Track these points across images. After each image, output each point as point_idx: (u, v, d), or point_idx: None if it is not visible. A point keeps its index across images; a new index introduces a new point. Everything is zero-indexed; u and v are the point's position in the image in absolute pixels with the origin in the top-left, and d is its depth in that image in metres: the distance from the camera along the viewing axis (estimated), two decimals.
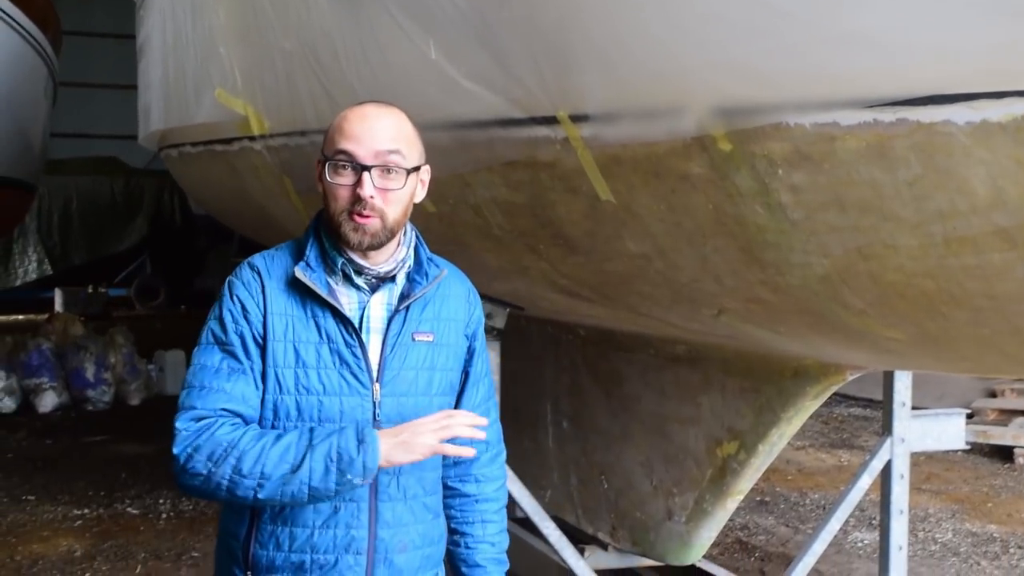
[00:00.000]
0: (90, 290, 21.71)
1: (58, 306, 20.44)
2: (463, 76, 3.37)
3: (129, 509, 7.85)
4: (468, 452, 2.44)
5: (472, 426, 2.41)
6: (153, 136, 7.93)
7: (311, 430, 2.35)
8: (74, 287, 21.49)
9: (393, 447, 2.31)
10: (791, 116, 2.50)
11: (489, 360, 2.74)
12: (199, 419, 2.35)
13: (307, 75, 4.32)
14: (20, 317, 20.07)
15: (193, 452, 2.32)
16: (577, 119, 3.05)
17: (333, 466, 2.28)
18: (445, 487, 2.68)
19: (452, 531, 2.70)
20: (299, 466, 2.29)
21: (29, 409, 11.62)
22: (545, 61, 3.05)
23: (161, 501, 7.92)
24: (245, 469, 2.30)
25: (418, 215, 4.20)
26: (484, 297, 4.87)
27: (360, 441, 2.29)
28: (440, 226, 4.24)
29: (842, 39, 2.34)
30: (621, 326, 4.90)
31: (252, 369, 2.42)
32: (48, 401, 11.64)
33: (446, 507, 2.69)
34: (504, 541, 2.76)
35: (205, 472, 2.31)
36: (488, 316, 4.98)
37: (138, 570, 6.51)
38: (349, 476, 2.29)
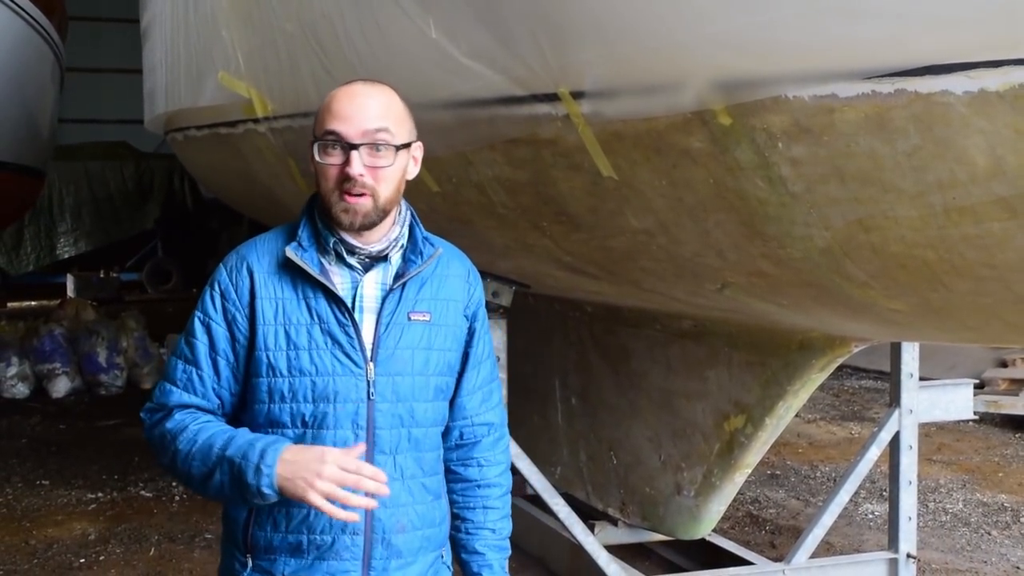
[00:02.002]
0: (102, 275, 21.71)
1: (70, 291, 20.45)
2: (463, 54, 3.37)
3: (142, 492, 7.88)
4: (346, 516, 2.30)
5: (374, 482, 2.28)
6: (158, 120, 7.96)
7: (229, 436, 2.38)
8: (86, 272, 21.51)
9: (287, 482, 2.27)
10: (790, 89, 2.50)
11: (492, 341, 2.71)
12: (154, 411, 2.51)
13: (309, 56, 4.32)
14: (32, 303, 20.12)
15: (151, 443, 2.50)
16: (577, 96, 3.05)
17: (236, 483, 2.33)
18: (447, 471, 2.66)
19: (454, 516, 2.68)
20: (212, 472, 2.36)
21: (42, 394, 11.65)
22: (545, 38, 3.05)
23: (174, 484, 7.93)
24: (179, 466, 2.43)
25: (421, 194, 4.24)
26: (489, 275, 4.91)
27: (258, 469, 2.28)
28: (444, 205, 4.25)
29: (839, 10, 2.33)
30: (627, 302, 4.91)
31: (216, 360, 2.48)
32: (61, 386, 11.68)
33: (448, 491, 2.67)
34: (506, 528, 2.72)
35: (164, 464, 2.49)
36: (494, 294, 4.99)
37: (152, 552, 6.54)
38: (249, 498, 2.33)
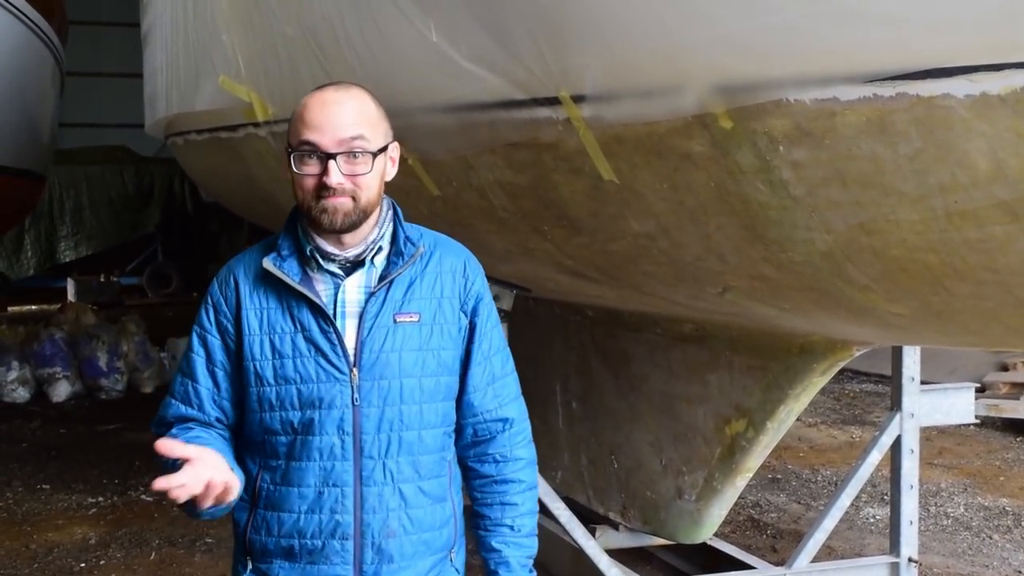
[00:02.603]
0: (102, 279, 21.69)
1: (70, 295, 20.45)
2: (464, 58, 3.37)
3: (143, 496, 7.86)
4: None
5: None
6: (159, 124, 7.95)
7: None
8: (86, 276, 21.50)
9: None
10: (791, 92, 2.50)
11: (502, 336, 2.66)
12: (159, 426, 2.55)
13: (309, 60, 4.32)
14: (33, 307, 20.09)
15: None
16: (578, 99, 3.04)
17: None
18: (466, 467, 2.64)
19: (474, 513, 2.65)
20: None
21: (43, 398, 11.64)
22: (545, 41, 3.04)
23: None
24: None
25: (422, 198, 4.23)
26: (490, 279, 4.89)
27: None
28: (445, 209, 4.25)
29: (841, 14, 2.33)
30: (627, 306, 4.91)
31: (214, 372, 2.51)
32: (61, 390, 11.66)
33: (470, 489, 2.65)
34: (527, 525, 2.66)
35: None
36: (495, 298, 4.96)
37: (152, 556, 6.53)
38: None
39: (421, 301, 2.50)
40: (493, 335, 2.61)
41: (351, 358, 2.44)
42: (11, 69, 11.04)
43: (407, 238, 2.53)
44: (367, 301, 2.46)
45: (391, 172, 2.51)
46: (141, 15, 8.76)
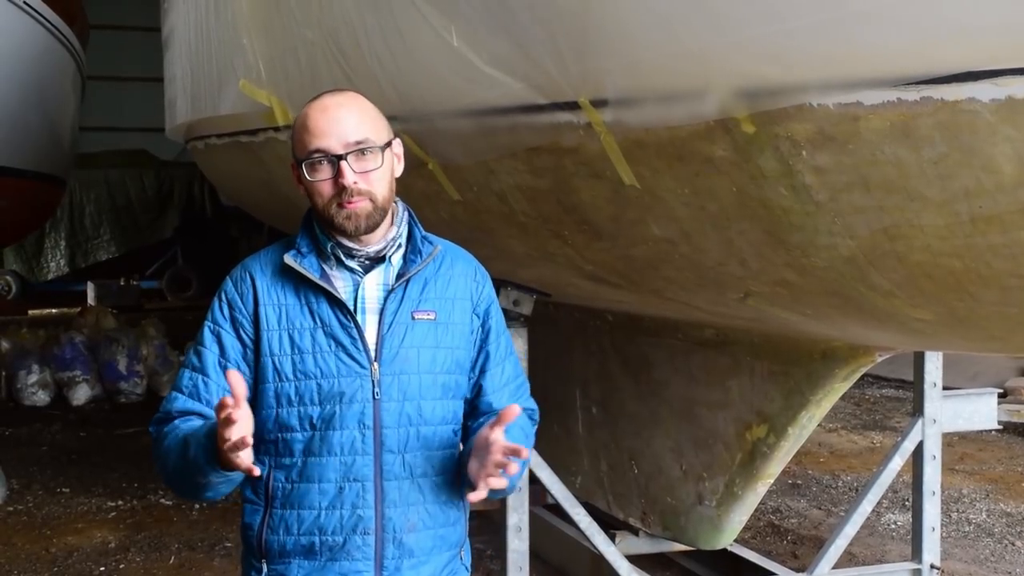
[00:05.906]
0: (122, 283, 21.78)
1: (90, 299, 20.53)
2: (485, 62, 3.36)
3: (162, 500, 7.89)
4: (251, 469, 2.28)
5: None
6: (180, 128, 7.97)
7: (189, 433, 2.40)
8: (106, 280, 21.58)
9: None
10: (814, 97, 2.48)
11: (511, 340, 2.73)
12: (160, 422, 2.53)
13: (330, 64, 4.32)
14: (53, 310, 20.21)
15: (153, 453, 2.53)
16: (599, 104, 3.03)
17: (195, 463, 2.35)
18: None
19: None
20: (182, 461, 2.40)
21: (63, 402, 11.70)
22: (566, 46, 3.03)
23: None
24: (162, 472, 2.50)
25: (442, 203, 4.23)
26: (510, 284, 4.89)
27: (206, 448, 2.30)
28: (465, 214, 4.24)
29: (864, 18, 2.31)
30: (648, 311, 4.89)
31: (226, 368, 2.49)
32: (81, 394, 11.72)
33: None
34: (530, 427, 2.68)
35: (158, 469, 2.52)
36: (515, 303, 4.97)
37: (172, 560, 6.55)
38: (207, 474, 2.35)
39: (436, 300, 2.55)
40: (505, 338, 2.68)
41: (371, 353, 2.47)
42: (32, 73, 11.07)
43: (424, 237, 2.59)
44: (386, 298, 2.51)
45: (399, 168, 2.56)
46: (162, 19, 8.79)
